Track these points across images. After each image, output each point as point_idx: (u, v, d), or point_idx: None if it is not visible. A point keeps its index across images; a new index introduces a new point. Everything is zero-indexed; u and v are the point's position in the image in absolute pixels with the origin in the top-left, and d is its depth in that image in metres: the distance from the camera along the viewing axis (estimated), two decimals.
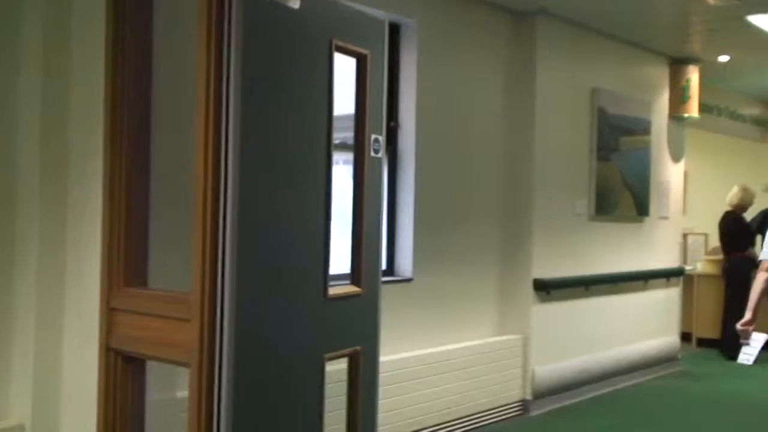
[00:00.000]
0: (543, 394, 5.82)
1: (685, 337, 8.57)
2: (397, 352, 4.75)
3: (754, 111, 9.67)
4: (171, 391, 3.41)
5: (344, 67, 3.20)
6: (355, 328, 3.19)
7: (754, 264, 8.20)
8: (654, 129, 7.05)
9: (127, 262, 2.98)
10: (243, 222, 2.55)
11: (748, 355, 4.65)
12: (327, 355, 2.99)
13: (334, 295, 3.03)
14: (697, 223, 10.32)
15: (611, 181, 6.48)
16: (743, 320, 4.24)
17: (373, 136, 3.32)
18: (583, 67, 6.23)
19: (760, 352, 4.50)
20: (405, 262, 5.05)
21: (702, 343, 8.74)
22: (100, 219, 2.99)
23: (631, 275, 6.79)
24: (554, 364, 5.94)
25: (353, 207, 3.24)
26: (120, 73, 2.99)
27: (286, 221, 2.78)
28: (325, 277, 2.97)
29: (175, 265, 3.02)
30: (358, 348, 3.18)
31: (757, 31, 6.21)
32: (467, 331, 5.43)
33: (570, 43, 6.10)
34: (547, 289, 5.79)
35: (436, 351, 5.03)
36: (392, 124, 5.11)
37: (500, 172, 5.75)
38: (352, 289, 3.18)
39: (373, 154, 3.32)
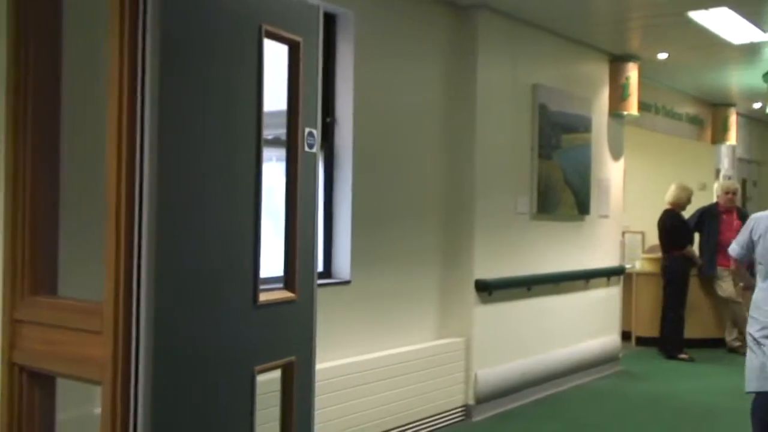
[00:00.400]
0: (486, 398, 5.67)
1: (624, 335, 8.55)
2: (334, 359, 4.53)
3: (690, 110, 9.73)
4: (88, 407, 3.13)
5: (281, 61, 2.98)
6: (288, 336, 2.95)
7: (692, 262, 8.23)
8: (594, 127, 6.98)
9: (33, 268, 2.69)
10: (161, 225, 2.30)
11: None
12: (258, 368, 2.75)
13: (265, 301, 2.79)
14: (634, 222, 10.36)
15: (553, 180, 6.37)
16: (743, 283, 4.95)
17: (307, 130, 3.09)
18: (524, 62, 6.10)
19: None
20: (343, 264, 4.83)
21: (641, 341, 8.74)
22: (2, 220, 2.69)
23: (573, 275, 6.69)
24: (497, 368, 5.79)
25: (286, 206, 3.00)
26: (23, 61, 2.69)
27: (211, 223, 2.53)
28: (255, 282, 2.73)
29: (88, 272, 2.74)
30: (292, 358, 2.95)
31: (696, 27, 6.18)
32: (407, 335, 5.24)
33: (511, 38, 5.97)
34: (489, 290, 5.64)
35: (374, 357, 4.82)
36: (329, 119, 4.88)
37: (441, 170, 5.57)
38: (285, 294, 2.94)
39: (307, 149, 3.09)
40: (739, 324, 8.40)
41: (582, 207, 6.78)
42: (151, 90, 2.29)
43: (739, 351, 8.37)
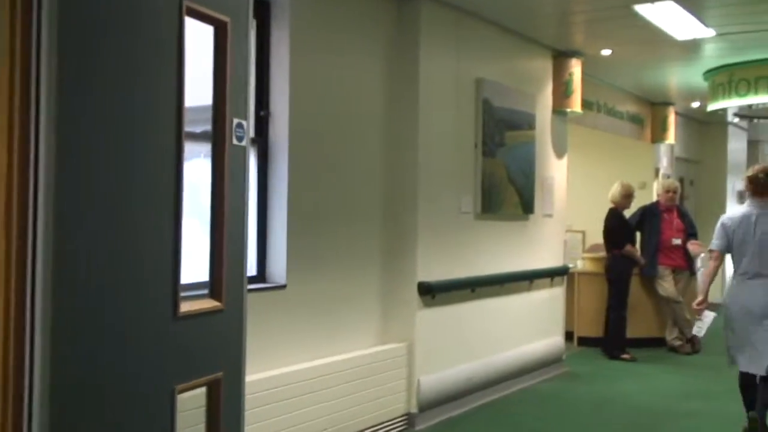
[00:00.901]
0: (429, 405, 5.43)
1: (566, 335, 8.44)
2: (268, 370, 4.23)
3: (631, 108, 9.70)
4: None
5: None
6: (214, 350, 2.65)
7: (634, 262, 8.15)
8: (538, 124, 6.81)
9: None
10: (60, 230, 1.98)
11: (699, 328, 5.73)
12: (179, 387, 2.44)
13: (187, 312, 2.48)
14: (575, 221, 10.30)
15: (497, 178, 6.17)
16: (697, 301, 5.43)
17: (235, 121, 2.79)
18: (467, 56, 5.88)
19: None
20: (278, 267, 4.53)
21: (583, 341, 8.64)
22: None
23: (517, 275, 6.52)
24: (440, 373, 5.56)
25: (212, 205, 2.70)
26: None
27: (124, 227, 2.21)
28: (174, 291, 2.42)
29: None
30: (218, 374, 2.65)
31: (641, 22, 6.06)
32: (347, 341, 4.97)
33: (455, 30, 5.75)
34: (432, 292, 5.41)
35: (312, 365, 4.53)
36: (263, 112, 4.58)
37: (383, 167, 5.32)
38: (210, 303, 2.63)
39: (235, 141, 2.79)
40: (680, 323, 8.38)
41: (526, 206, 6.61)
42: (47, 81, 1.96)
43: (679, 350, 8.34)
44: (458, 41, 5.78)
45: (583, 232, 10.15)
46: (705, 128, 12.47)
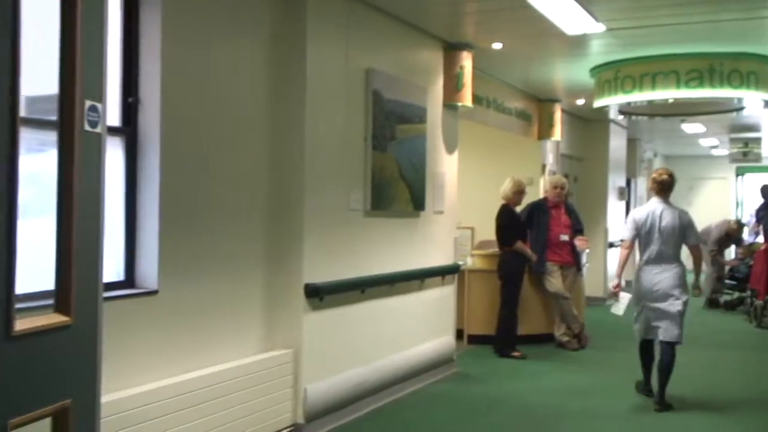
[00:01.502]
0: (317, 414, 5.10)
1: (457, 334, 8.30)
2: (137, 386, 3.80)
3: (518, 105, 9.66)
4: None
5: None
6: (60, 374, 2.25)
7: (525, 258, 8.07)
8: (429, 118, 6.59)
9: None
10: None
11: (617, 308, 6.36)
12: (12, 422, 2.03)
13: (24, 330, 2.08)
14: (464, 217, 10.21)
15: (387, 173, 5.91)
16: (613, 284, 6.25)
17: (88, 103, 2.39)
18: (357, 45, 5.58)
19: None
20: (148, 271, 4.09)
21: (473, 339, 8.52)
22: None
23: (408, 275, 6.28)
24: (329, 380, 5.24)
25: (58, 200, 2.30)
26: None
27: None
28: (8, 306, 2.01)
29: None
30: (66, 402, 2.25)
31: (533, 15, 5.92)
32: (228, 350, 4.58)
33: (344, 18, 5.43)
34: (320, 294, 5.08)
35: (187, 379, 4.12)
36: (131, 99, 4.13)
37: (266, 162, 4.95)
38: (55, 318, 2.23)
39: (88, 127, 2.39)
40: (567, 319, 8.38)
41: (417, 202, 6.38)
42: None
43: (567, 346, 8.34)
44: (348, 30, 5.47)
45: (472, 229, 10.06)
46: (588, 126, 12.67)
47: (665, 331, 5.89)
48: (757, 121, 13.17)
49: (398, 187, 6.06)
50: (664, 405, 5.89)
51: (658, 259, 5.91)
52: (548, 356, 8.00)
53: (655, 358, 6.10)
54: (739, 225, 12.19)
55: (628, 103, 8.02)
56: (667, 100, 7.57)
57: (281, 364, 4.87)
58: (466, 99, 7.04)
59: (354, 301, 5.56)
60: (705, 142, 16.04)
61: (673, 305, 5.87)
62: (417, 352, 6.46)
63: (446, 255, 7.06)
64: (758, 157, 15.00)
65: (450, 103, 6.94)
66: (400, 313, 6.23)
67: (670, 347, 5.92)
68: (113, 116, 4.04)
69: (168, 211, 4.13)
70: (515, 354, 7.83)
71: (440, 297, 6.94)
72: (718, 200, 19.14)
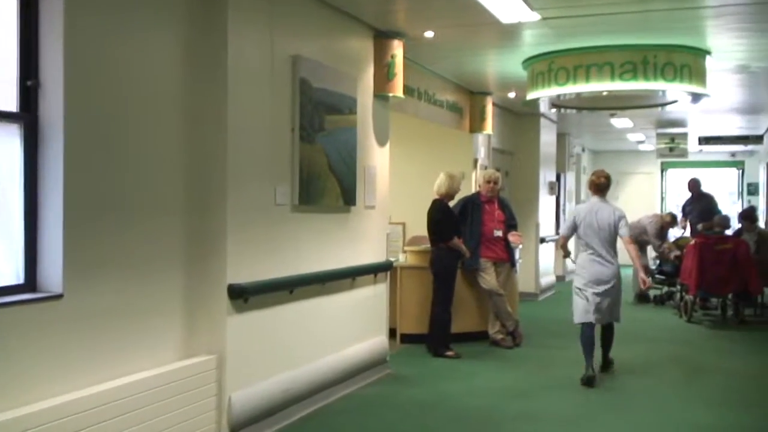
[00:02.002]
0: (243, 423, 4.77)
1: (389, 333, 8.06)
2: (39, 401, 3.41)
3: (450, 97, 9.46)
4: None
5: None
6: None
7: (459, 254, 7.87)
8: (360, 108, 6.31)
9: None
10: None
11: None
12: None
13: None
14: (395, 212, 9.97)
15: (317, 166, 5.60)
16: (564, 253, 7.20)
17: None
18: (283, 31, 5.25)
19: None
20: (52, 273, 3.70)
21: (406, 338, 8.29)
22: None
23: (340, 273, 5.99)
24: (255, 386, 4.91)
25: None
26: None
27: None
28: None
29: None
30: None
31: (466, 2, 5.71)
32: (144, 358, 4.21)
33: (268, 2, 5.09)
34: (245, 295, 4.74)
35: (98, 391, 3.75)
36: (30, 82, 3.72)
37: (185, 154, 4.59)
38: None
39: None
40: (501, 317, 8.22)
41: (348, 197, 6.09)
42: None
43: (502, 344, 8.18)
44: (272, 14, 5.13)
45: (404, 224, 9.86)
46: (519, 120, 12.59)
47: (607, 313, 6.75)
48: (683, 116, 13.34)
49: (328, 181, 5.76)
50: (609, 365, 7.09)
51: (598, 250, 6.68)
52: (483, 355, 7.81)
53: (595, 343, 6.79)
54: (673, 218, 12.27)
55: (558, 96, 7.88)
56: (601, 92, 7.46)
57: (203, 371, 4.53)
58: (398, 89, 6.78)
59: (282, 302, 5.24)
60: (632, 137, 16.21)
61: (612, 290, 6.71)
62: (349, 354, 6.18)
63: (378, 252, 6.79)
64: (684, 153, 15.19)
65: (381, 94, 6.67)
66: (331, 313, 5.94)
67: (611, 327, 6.97)
68: (8, 100, 3.63)
69: (74, 207, 3.75)
70: (449, 353, 7.62)
71: (373, 295, 6.67)
72: (644, 195, 19.43)
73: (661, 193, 20.24)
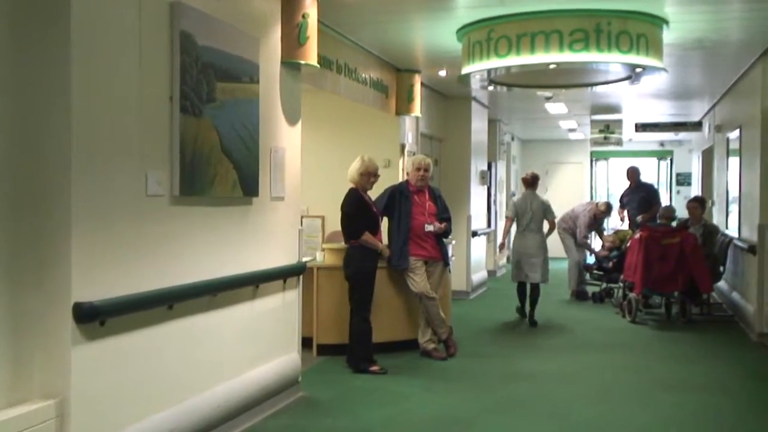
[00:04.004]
0: None
1: (304, 342, 6.93)
2: None
3: (374, 73, 8.34)
4: None
5: None
6: None
7: (377, 253, 6.79)
8: (263, 78, 5.14)
9: None
10: None
11: (501, 258, 11.34)
12: None
13: None
14: (312, 204, 8.88)
15: (205, 146, 4.41)
16: (500, 243, 10.03)
17: None
18: None
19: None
20: None
21: (324, 350, 7.17)
22: None
23: (237, 280, 4.82)
24: None
25: None
26: None
27: None
28: None
29: None
30: None
31: None
32: None
33: None
34: (100, 317, 3.54)
35: None
36: None
37: (8, 134, 3.36)
38: None
39: None
40: (433, 323, 7.18)
41: (248, 186, 4.92)
42: None
43: (434, 355, 7.14)
44: None
45: (323, 218, 8.72)
46: (450, 104, 11.57)
47: (535, 276, 9.07)
48: (618, 101, 12.58)
49: (220, 166, 4.58)
50: (534, 323, 9.09)
51: (530, 231, 9.18)
52: (413, 369, 6.75)
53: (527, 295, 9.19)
54: (608, 207, 11.48)
55: (489, 71, 6.84)
56: (548, 65, 6.46)
57: (39, 422, 3.31)
58: (311, 57, 5.63)
59: (158, 321, 4.05)
60: (565, 125, 15.44)
61: (539, 259, 9.06)
62: (250, 379, 5.03)
63: (289, 252, 5.64)
64: (619, 141, 14.47)
65: (290, 61, 5.51)
66: (227, 330, 4.77)
67: (537, 286, 9.16)
68: None
69: None
70: (373, 369, 6.54)
71: (281, 305, 5.52)
72: (574, 185, 18.77)
73: (591, 183, 19.63)
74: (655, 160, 19.62)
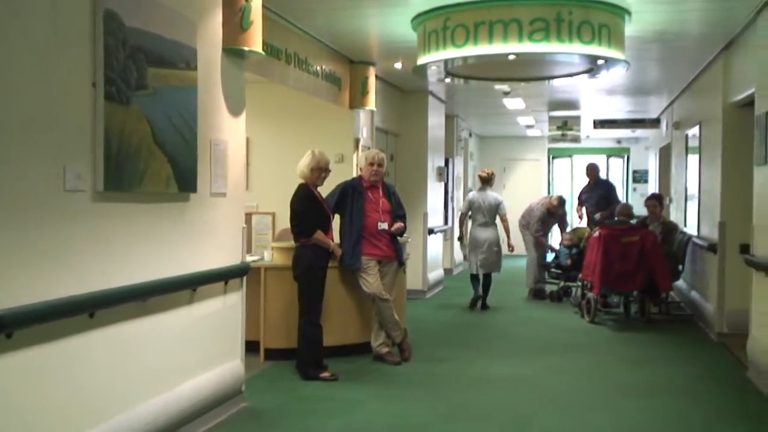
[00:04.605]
0: None
1: (250, 346, 6.56)
2: None
3: (327, 65, 7.98)
4: None
5: None
6: None
7: (327, 253, 6.44)
8: (202, 64, 4.75)
9: None
10: None
11: (463, 249, 11.01)
12: None
13: None
14: (263, 200, 8.52)
15: (135, 137, 4.01)
16: (458, 236, 10.91)
17: None
18: None
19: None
20: None
21: (272, 355, 6.81)
22: None
23: (171, 283, 4.42)
24: None
25: None
26: None
27: None
28: None
29: None
30: None
31: None
32: None
33: None
34: (5, 329, 3.13)
35: None
36: None
37: None
38: None
39: None
40: (387, 326, 6.85)
41: (184, 181, 4.53)
42: None
43: (387, 359, 6.82)
44: None
45: (273, 214, 8.35)
46: (406, 98, 11.26)
47: (488, 267, 9.87)
48: (576, 96, 12.40)
49: (152, 159, 4.18)
50: (486, 307, 10.01)
51: (484, 225, 9.93)
52: (365, 375, 6.42)
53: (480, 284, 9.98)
54: (560, 201, 11.28)
55: (446, 62, 6.52)
56: (506, 55, 6.16)
57: None
58: (255, 43, 5.25)
59: (77, 331, 3.65)
60: (523, 121, 15.24)
61: (492, 252, 9.84)
62: (186, 392, 4.64)
63: (231, 252, 5.26)
64: (577, 138, 14.30)
65: (232, 47, 5.13)
66: (160, 339, 4.38)
67: (489, 275, 9.99)
68: None
69: None
70: (323, 375, 6.19)
71: (222, 309, 5.14)
72: (531, 183, 18.62)
73: (548, 180, 19.49)
74: (606, 157, 19.52)
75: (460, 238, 10.50)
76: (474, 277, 10.07)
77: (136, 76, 4.02)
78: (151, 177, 4.16)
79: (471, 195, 10.27)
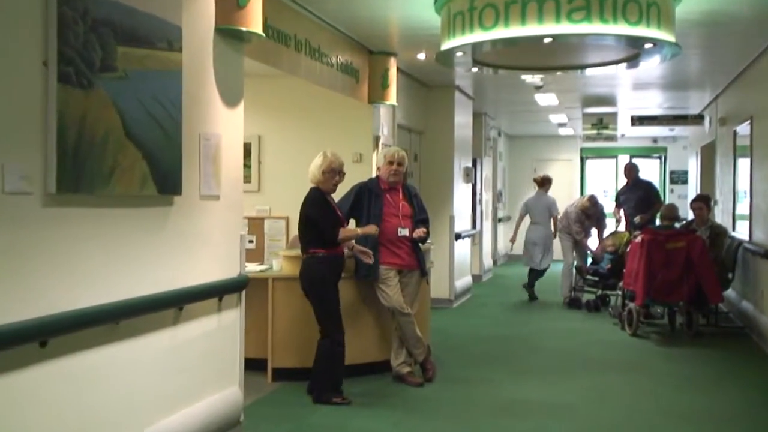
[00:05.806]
0: None
1: (257, 365, 5.91)
2: None
3: (343, 55, 7.29)
4: None
5: None
6: None
7: (339, 263, 5.74)
8: (189, 44, 4.09)
9: None
10: None
11: (509, 248, 13.90)
12: None
13: None
14: (275, 204, 7.89)
15: (99, 128, 3.36)
16: (511, 238, 11.98)
17: None
18: None
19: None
20: None
21: (280, 375, 6.13)
22: None
23: (149, 302, 3.76)
24: None
25: None
26: None
27: None
28: None
29: None
30: None
31: None
32: None
33: None
34: None
35: None
36: None
37: None
38: None
39: None
40: (409, 343, 6.14)
41: (165, 182, 3.86)
42: None
43: (408, 380, 6.11)
44: None
45: (287, 219, 7.73)
46: (431, 93, 10.54)
47: (542, 262, 10.89)
48: (613, 91, 11.60)
49: (123, 155, 3.52)
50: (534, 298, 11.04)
51: (537, 223, 11.03)
52: (383, 399, 5.72)
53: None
54: (592, 200, 10.58)
55: (480, 45, 5.78)
56: (542, 38, 5.43)
57: None
58: (254, 23, 4.58)
59: (22, 365, 2.99)
60: (555, 119, 14.45)
61: (541, 248, 10.86)
62: (173, 425, 3.97)
63: (227, 263, 4.59)
64: (613, 137, 13.48)
65: (227, 27, 4.46)
66: (137, 368, 3.72)
67: (543, 270, 11.04)
68: None
69: None
70: (336, 399, 5.50)
71: (215, 330, 4.47)
72: (563, 184, 17.77)
73: (581, 181, 18.64)
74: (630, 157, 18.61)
75: (513, 240, 11.65)
76: (532, 271, 11.12)
77: (102, 55, 3.36)
78: (121, 176, 3.50)
79: (528, 199, 11.57)
